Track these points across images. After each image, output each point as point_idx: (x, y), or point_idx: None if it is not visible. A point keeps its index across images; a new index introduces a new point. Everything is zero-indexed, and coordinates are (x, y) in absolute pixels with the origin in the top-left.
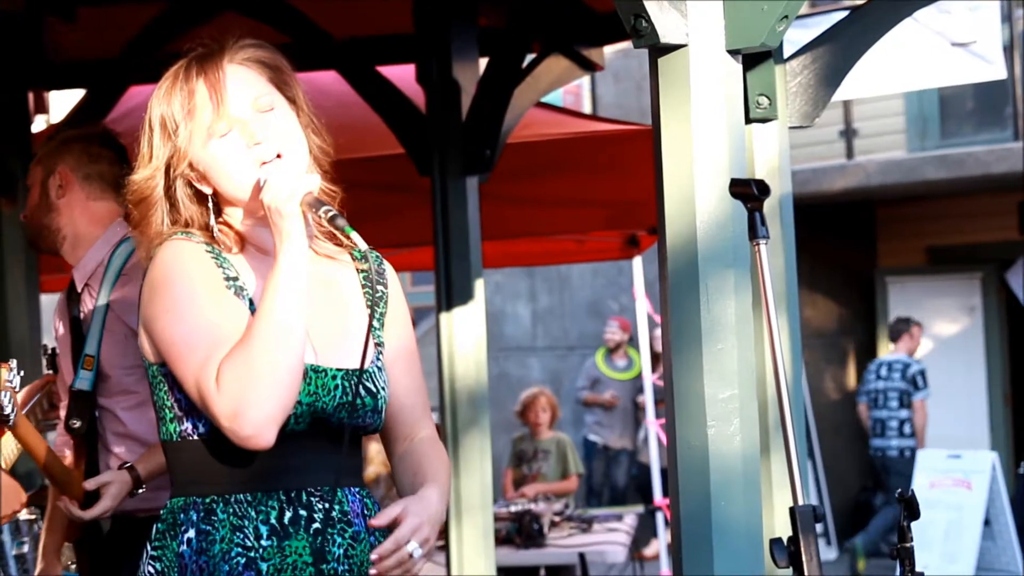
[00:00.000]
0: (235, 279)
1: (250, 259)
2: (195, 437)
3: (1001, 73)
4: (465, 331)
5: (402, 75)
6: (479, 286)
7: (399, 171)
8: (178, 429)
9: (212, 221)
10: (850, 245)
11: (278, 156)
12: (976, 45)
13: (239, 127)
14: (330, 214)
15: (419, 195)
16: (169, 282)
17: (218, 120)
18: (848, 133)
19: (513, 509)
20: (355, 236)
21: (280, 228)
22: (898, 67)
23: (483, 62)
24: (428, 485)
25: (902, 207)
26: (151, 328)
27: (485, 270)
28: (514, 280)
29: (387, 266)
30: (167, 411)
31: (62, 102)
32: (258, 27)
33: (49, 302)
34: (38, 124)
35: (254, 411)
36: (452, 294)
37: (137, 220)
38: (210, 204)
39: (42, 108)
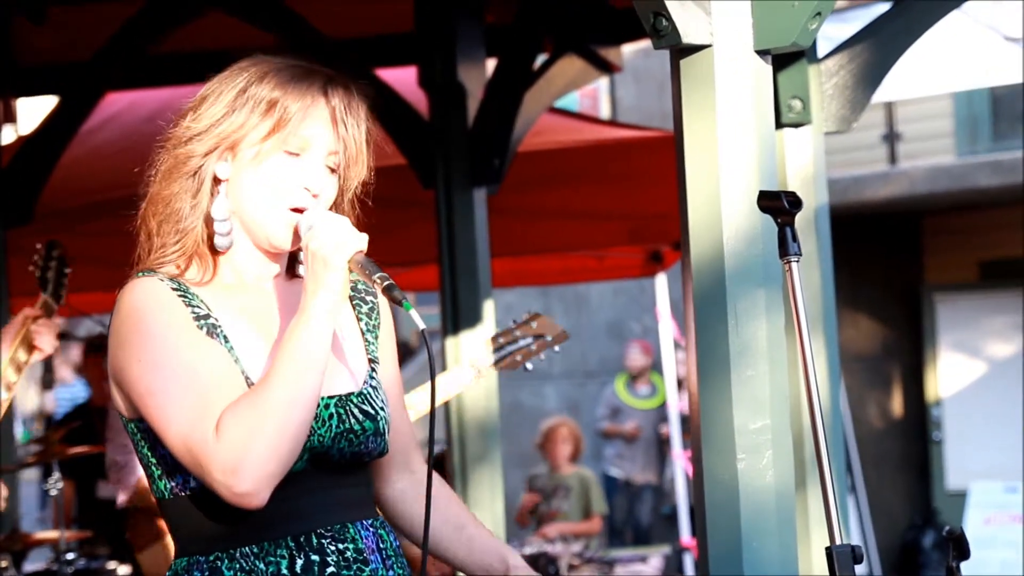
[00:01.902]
0: (206, 317)
1: (221, 292)
2: (187, 493)
3: None
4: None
5: (403, 78)
6: (488, 307)
7: (400, 183)
8: (168, 485)
9: (225, 211)
10: (894, 259)
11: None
12: None
13: (311, 163)
14: (386, 282)
15: (422, 209)
16: (137, 329)
17: (302, 139)
18: (891, 137)
19: (528, 551)
20: (413, 314)
21: (319, 277)
22: (945, 65)
23: (491, 63)
24: (506, 551)
25: (951, 217)
26: (122, 379)
27: (495, 290)
28: (527, 300)
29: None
30: (153, 468)
31: (32, 110)
32: (245, 28)
33: None
34: (6, 135)
35: (256, 467)
36: (459, 316)
37: (159, 189)
38: (225, 199)
39: (10, 117)
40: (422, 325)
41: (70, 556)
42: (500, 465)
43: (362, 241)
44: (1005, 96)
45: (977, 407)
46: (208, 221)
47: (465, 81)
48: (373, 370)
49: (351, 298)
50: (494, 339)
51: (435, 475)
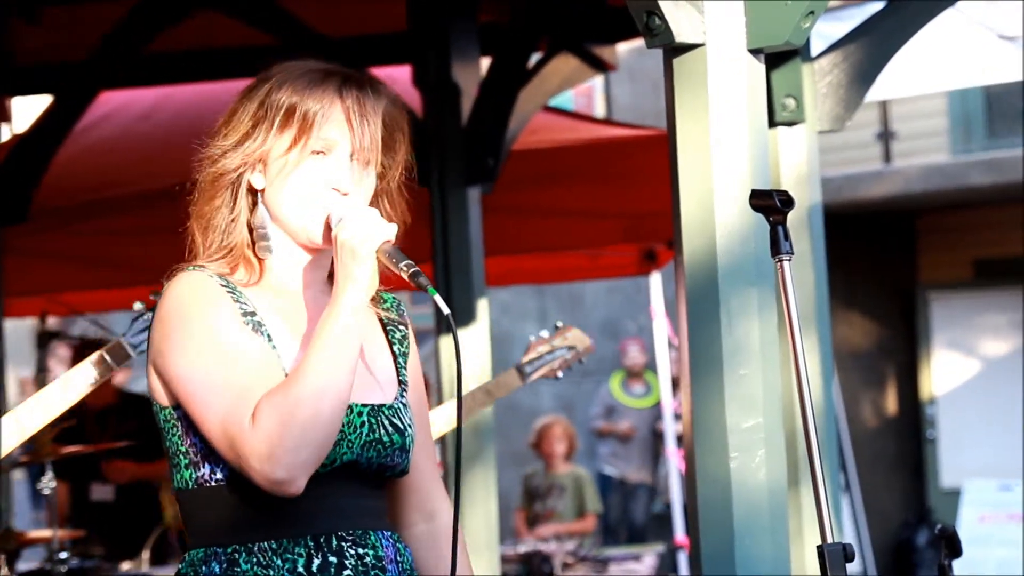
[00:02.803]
0: (252, 314)
1: (267, 294)
2: (212, 483)
3: None
4: (467, 355)
5: (397, 77)
6: (482, 306)
7: None
8: (194, 476)
9: (263, 221)
10: (889, 258)
11: None
12: None
13: (339, 162)
14: (412, 269)
15: (416, 207)
16: (184, 318)
17: (328, 141)
18: (886, 136)
19: (522, 550)
20: (438, 299)
21: (349, 270)
22: (940, 63)
23: (485, 62)
24: None
25: (945, 216)
26: (164, 367)
27: (489, 289)
28: (522, 299)
29: (405, 309)
30: (181, 457)
31: (27, 109)
32: (239, 27)
33: (15, 329)
34: (1, 134)
35: (290, 455)
36: (453, 315)
37: (199, 205)
38: (261, 205)
39: (5, 116)
40: (447, 310)
41: (63, 555)
42: (494, 464)
43: (391, 231)
44: (999, 95)
45: (971, 405)
46: (251, 229)
47: (459, 80)
48: (403, 391)
49: (384, 323)
50: (533, 347)
51: (460, 532)
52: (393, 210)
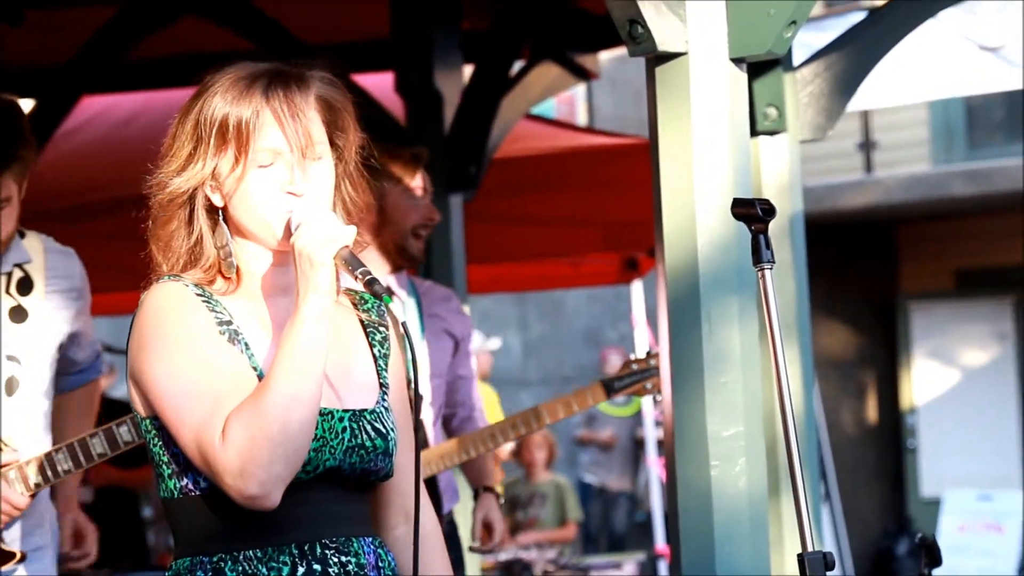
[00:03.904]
0: (228, 323)
1: (245, 301)
2: (197, 492)
3: None
4: None
5: (379, 84)
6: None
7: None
8: (178, 485)
9: (226, 240)
10: (870, 268)
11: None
12: (1006, 49)
13: (285, 166)
14: (367, 277)
15: None
16: (159, 331)
17: (269, 151)
18: (867, 146)
19: (502, 557)
20: (394, 307)
21: (308, 278)
22: (921, 74)
23: (467, 69)
24: None
25: (926, 226)
26: (140, 379)
27: (471, 296)
28: (503, 307)
29: (386, 310)
30: (164, 467)
31: None
32: (222, 33)
33: None
34: None
35: (262, 470)
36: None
37: (155, 230)
38: (222, 224)
39: None
40: (403, 318)
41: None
42: None
43: (348, 236)
44: (980, 105)
45: (951, 415)
46: (214, 221)
47: (441, 87)
48: (384, 394)
49: (364, 326)
50: (627, 364)
51: (440, 533)
52: (357, 192)
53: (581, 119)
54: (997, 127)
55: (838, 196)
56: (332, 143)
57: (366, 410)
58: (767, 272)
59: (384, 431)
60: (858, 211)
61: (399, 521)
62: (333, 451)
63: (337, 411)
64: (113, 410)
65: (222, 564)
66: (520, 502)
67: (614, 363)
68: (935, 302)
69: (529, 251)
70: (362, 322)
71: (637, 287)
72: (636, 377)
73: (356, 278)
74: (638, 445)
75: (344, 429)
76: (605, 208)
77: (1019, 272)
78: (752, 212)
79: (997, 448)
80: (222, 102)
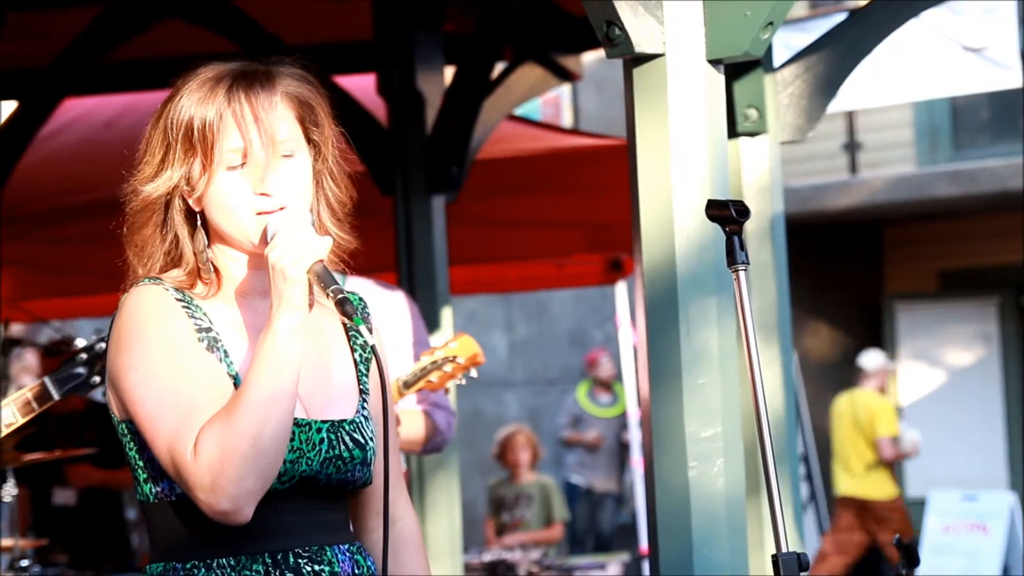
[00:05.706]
0: (208, 330)
1: (227, 304)
2: (173, 498)
3: (1017, 81)
4: None
5: (362, 86)
6: (447, 315)
7: (358, 190)
8: (153, 490)
9: (203, 246)
10: (855, 268)
11: (281, 208)
12: (990, 50)
13: (253, 167)
14: (339, 296)
15: (380, 216)
16: (137, 336)
17: (235, 152)
18: (852, 147)
19: (487, 558)
20: (363, 330)
21: (281, 292)
22: (905, 74)
23: (449, 71)
24: None
25: (911, 227)
26: (118, 384)
27: (455, 297)
28: (488, 308)
29: (371, 313)
30: (140, 471)
31: None
32: (204, 35)
33: None
34: None
35: (233, 485)
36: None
37: (130, 235)
38: (200, 229)
39: None
40: (372, 341)
41: (24, 563)
42: (458, 473)
43: (322, 250)
44: (965, 106)
45: (936, 416)
46: (191, 224)
47: (424, 89)
48: (364, 401)
49: (347, 329)
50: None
51: (419, 534)
52: (340, 188)
53: (566, 120)
54: (982, 128)
55: (823, 197)
56: (308, 139)
57: (345, 420)
58: (742, 273)
59: (363, 441)
60: (843, 212)
61: (378, 525)
62: (310, 462)
63: (315, 422)
64: (95, 412)
65: (195, 571)
66: (505, 503)
67: (601, 364)
68: (920, 303)
69: (513, 252)
70: (344, 325)
71: (621, 288)
72: (423, 372)
73: (328, 295)
74: (624, 446)
75: (322, 440)
76: (589, 209)
77: (1004, 273)
78: (726, 213)
79: (982, 449)
80: (188, 104)
